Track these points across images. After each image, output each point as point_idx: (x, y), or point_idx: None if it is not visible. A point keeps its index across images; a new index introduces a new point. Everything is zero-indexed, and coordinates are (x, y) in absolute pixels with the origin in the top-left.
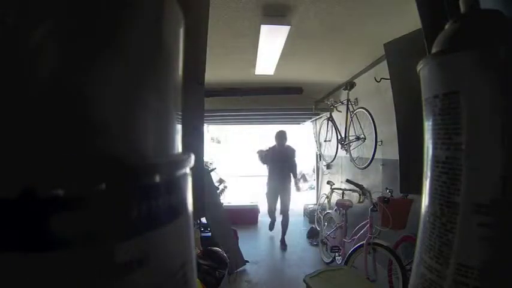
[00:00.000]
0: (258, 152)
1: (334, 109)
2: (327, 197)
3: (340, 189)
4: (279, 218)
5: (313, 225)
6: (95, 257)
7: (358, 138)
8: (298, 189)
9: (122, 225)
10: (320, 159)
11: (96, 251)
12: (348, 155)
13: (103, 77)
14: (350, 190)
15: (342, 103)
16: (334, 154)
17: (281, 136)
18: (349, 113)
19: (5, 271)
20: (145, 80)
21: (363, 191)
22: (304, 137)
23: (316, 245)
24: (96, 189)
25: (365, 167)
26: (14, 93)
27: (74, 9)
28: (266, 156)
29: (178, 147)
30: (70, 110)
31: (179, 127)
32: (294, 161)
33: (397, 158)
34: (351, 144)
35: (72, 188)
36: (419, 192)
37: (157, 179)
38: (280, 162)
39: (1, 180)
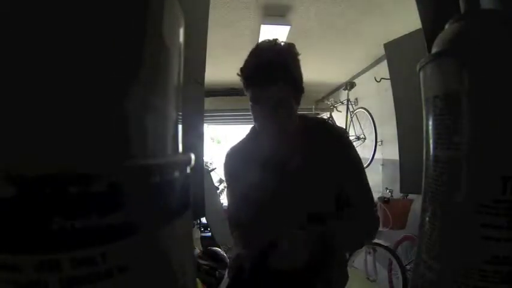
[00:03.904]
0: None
1: (334, 109)
2: None
3: None
4: None
5: None
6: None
7: (358, 138)
8: None
9: (123, 225)
10: None
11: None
12: None
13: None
14: None
15: (342, 103)
16: None
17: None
18: (349, 113)
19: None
20: (145, 80)
21: None
22: None
23: None
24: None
25: (365, 167)
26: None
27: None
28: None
29: (178, 147)
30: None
31: (179, 127)
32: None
33: (397, 158)
34: None
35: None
36: (419, 192)
37: (157, 179)
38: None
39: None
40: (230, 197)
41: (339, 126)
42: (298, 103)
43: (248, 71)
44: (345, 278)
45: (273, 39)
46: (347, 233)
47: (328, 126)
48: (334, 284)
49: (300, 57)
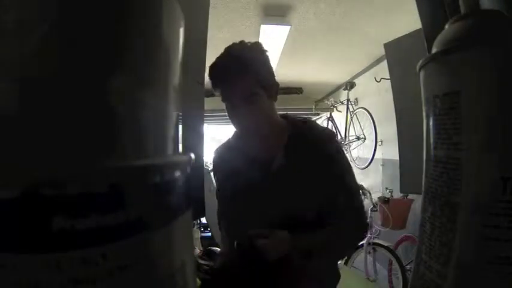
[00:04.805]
0: None
1: (334, 109)
2: None
3: None
4: None
5: None
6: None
7: (358, 138)
8: None
9: (123, 225)
10: None
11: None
12: (348, 155)
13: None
14: None
15: (342, 103)
16: None
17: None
18: (349, 113)
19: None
20: (145, 80)
21: (363, 191)
22: None
23: None
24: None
25: (365, 167)
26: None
27: (77, 7)
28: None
29: (178, 147)
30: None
31: (179, 127)
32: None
33: (397, 158)
34: (350, 144)
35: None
36: (419, 192)
37: (157, 179)
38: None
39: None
40: (218, 197)
41: (324, 128)
42: (272, 98)
43: (211, 71)
44: (336, 276)
45: (240, 40)
46: (325, 243)
47: (313, 128)
48: (325, 283)
49: (267, 53)
